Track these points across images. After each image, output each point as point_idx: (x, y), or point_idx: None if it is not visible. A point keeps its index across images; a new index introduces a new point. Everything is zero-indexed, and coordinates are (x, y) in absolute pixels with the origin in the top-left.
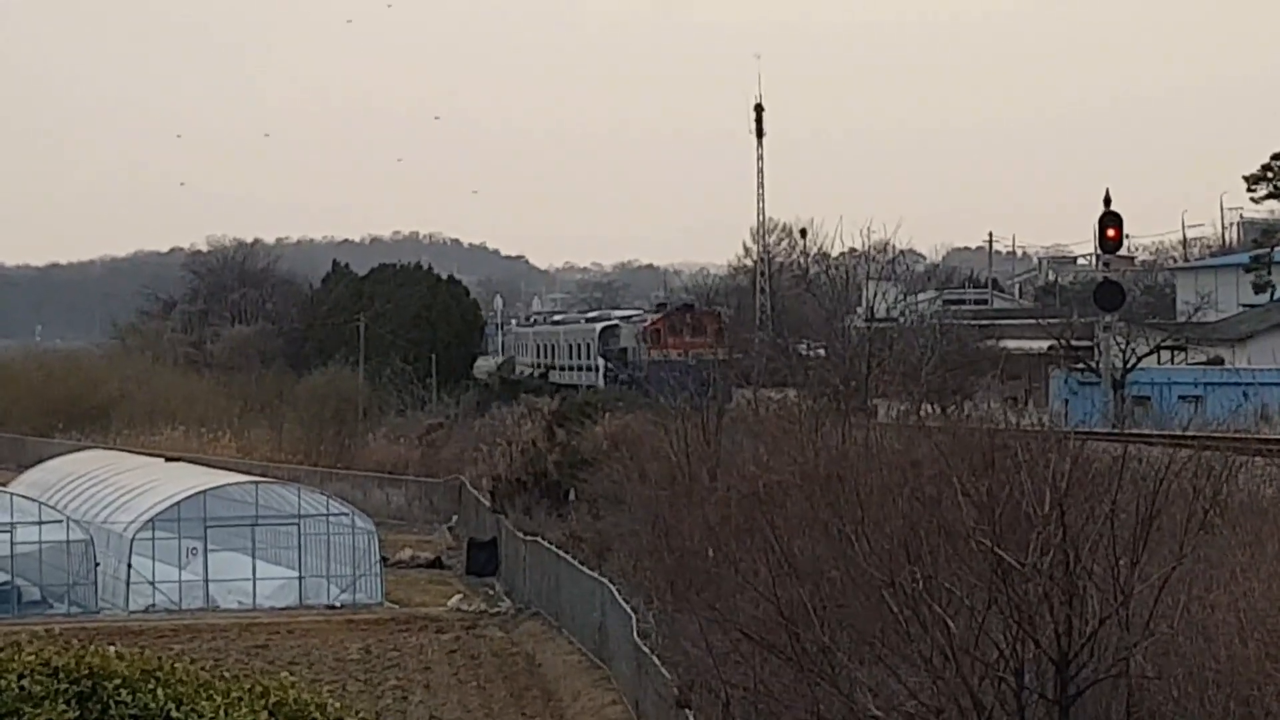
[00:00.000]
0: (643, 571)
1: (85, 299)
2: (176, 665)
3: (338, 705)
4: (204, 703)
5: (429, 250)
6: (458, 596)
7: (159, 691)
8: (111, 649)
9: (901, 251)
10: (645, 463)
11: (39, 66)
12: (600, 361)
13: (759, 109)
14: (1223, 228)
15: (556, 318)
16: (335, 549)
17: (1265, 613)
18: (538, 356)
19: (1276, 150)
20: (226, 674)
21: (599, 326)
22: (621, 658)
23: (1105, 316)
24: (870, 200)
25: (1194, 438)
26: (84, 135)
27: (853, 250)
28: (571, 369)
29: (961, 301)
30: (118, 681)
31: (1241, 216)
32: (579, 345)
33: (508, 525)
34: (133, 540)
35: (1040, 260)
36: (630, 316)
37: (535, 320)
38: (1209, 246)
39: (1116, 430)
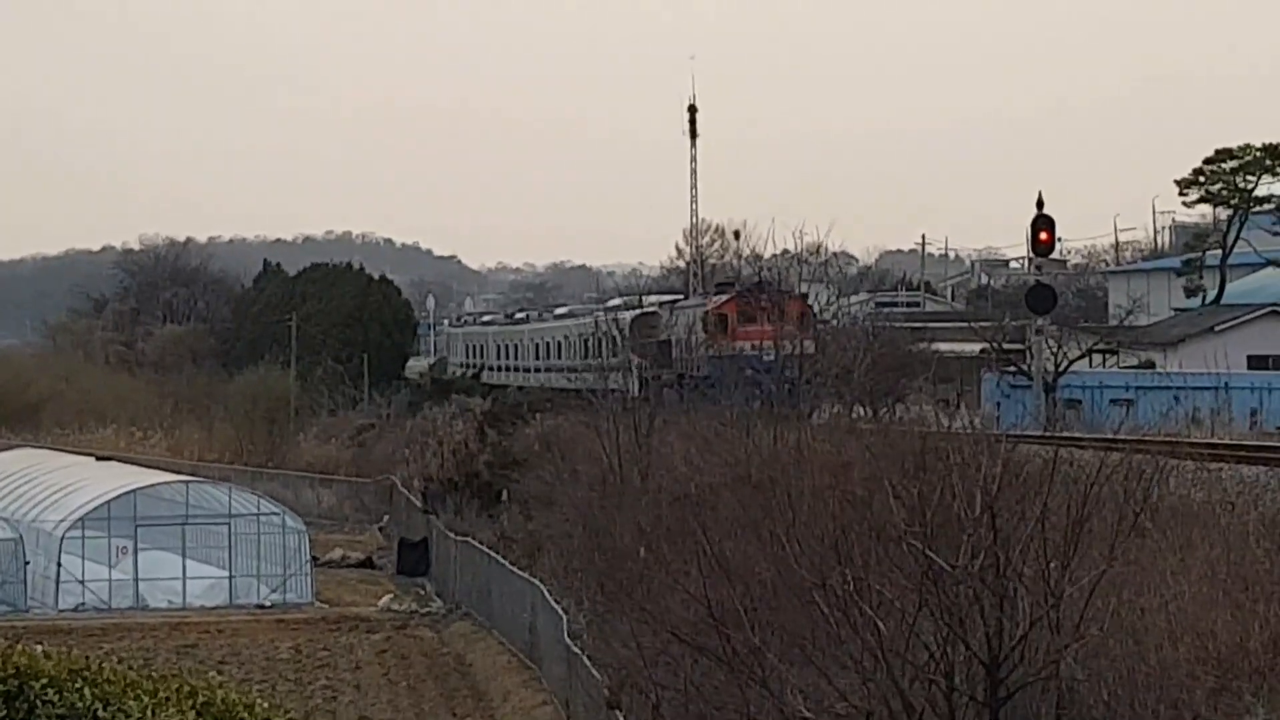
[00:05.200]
0: (574, 572)
1: (16, 297)
2: (104, 665)
3: (265, 705)
4: (131, 702)
5: (361, 250)
6: (388, 597)
7: (86, 691)
8: (38, 648)
9: (834, 253)
10: (577, 464)
11: None
12: (634, 360)
13: (693, 110)
14: (1154, 232)
15: (559, 310)
16: (266, 548)
17: (1195, 616)
18: (535, 358)
19: (1208, 154)
20: (155, 674)
21: (630, 315)
22: (552, 658)
23: (1037, 320)
24: (803, 202)
25: (1125, 441)
26: (14, 133)
27: (785, 252)
28: (587, 371)
29: (894, 304)
30: (44, 681)
31: (1173, 220)
32: (601, 341)
33: (439, 525)
34: (62, 539)
35: (972, 263)
36: (675, 301)
37: (528, 315)
38: (1141, 250)
39: (1048, 433)
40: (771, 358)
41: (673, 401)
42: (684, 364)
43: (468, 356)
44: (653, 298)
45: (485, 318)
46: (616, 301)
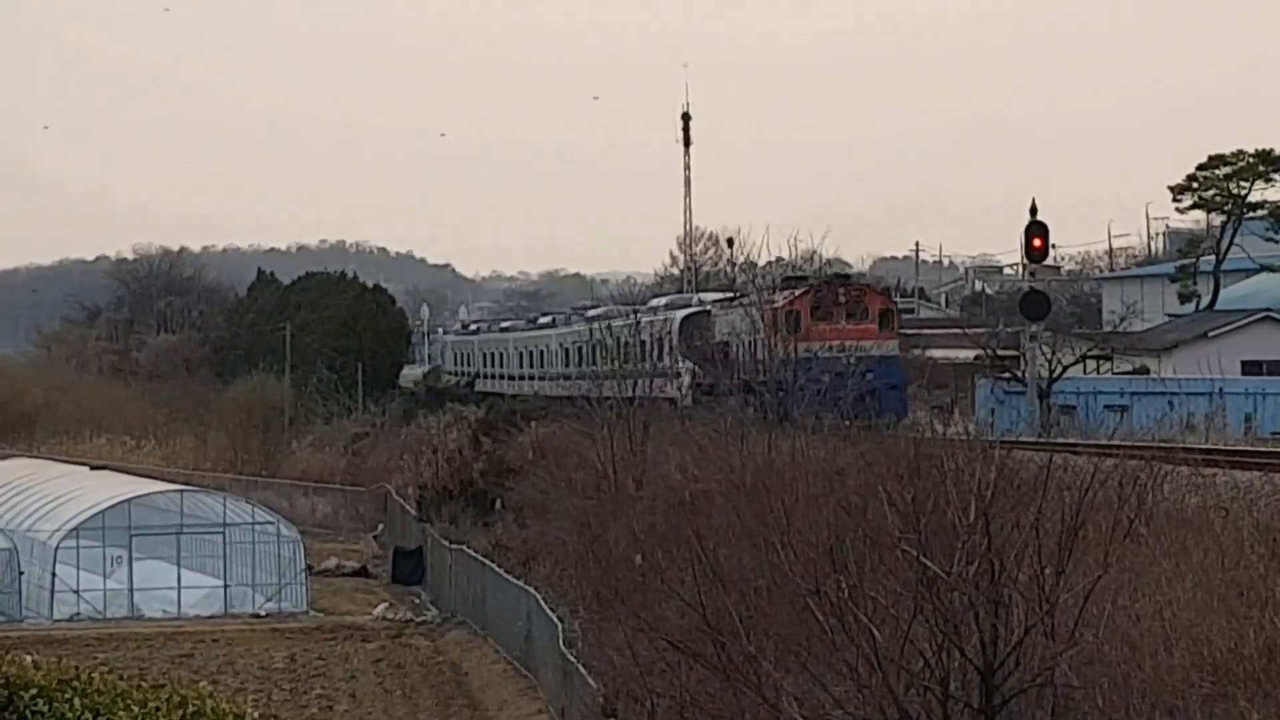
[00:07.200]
0: (569, 580)
1: (10, 307)
2: (94, 675)
3: (257, 715)
4: (121, 712)
5: (355, 259)
6: (383, 605)
7: (76, 701)
8: (28, 658)
9: (828, 260)
10: (571, 471)
11: None
12: (686, 365)
13: (686, 118)
14: (1148, 237)
15: (591, 312)
16: (261, 557)
17: (1190, 622)
18: (565, 364)
19: (1202, 161)
20: (146, 683)
21: (679, 315)
22: (547, 666)
23: (1031, 326)
24: (797, 209)
25: (1119, 447)
26: (6, 142)
27: (779, 259)
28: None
29: None
30: (34, 691)
31: (1167, 226)
32: (646, 344)
33: (433, 534)
34: (57, 548)
35: (966, 269)
36: (731, 299)
37: (554, 320)
38: (1135, 256)
39: (1042, 439)
40: (852, 360)
41: (735, 411)
42: (747, 369)
43: (485, 365)
44: (701, 295)
45: (504, 323)
46: (661, 301)
